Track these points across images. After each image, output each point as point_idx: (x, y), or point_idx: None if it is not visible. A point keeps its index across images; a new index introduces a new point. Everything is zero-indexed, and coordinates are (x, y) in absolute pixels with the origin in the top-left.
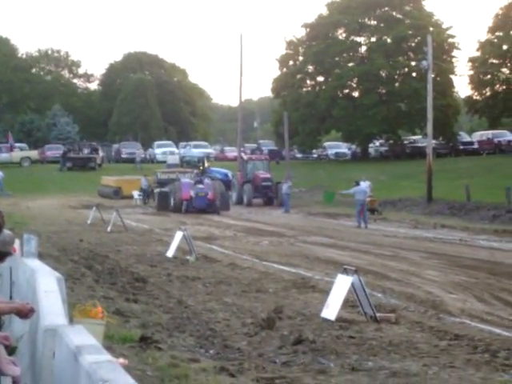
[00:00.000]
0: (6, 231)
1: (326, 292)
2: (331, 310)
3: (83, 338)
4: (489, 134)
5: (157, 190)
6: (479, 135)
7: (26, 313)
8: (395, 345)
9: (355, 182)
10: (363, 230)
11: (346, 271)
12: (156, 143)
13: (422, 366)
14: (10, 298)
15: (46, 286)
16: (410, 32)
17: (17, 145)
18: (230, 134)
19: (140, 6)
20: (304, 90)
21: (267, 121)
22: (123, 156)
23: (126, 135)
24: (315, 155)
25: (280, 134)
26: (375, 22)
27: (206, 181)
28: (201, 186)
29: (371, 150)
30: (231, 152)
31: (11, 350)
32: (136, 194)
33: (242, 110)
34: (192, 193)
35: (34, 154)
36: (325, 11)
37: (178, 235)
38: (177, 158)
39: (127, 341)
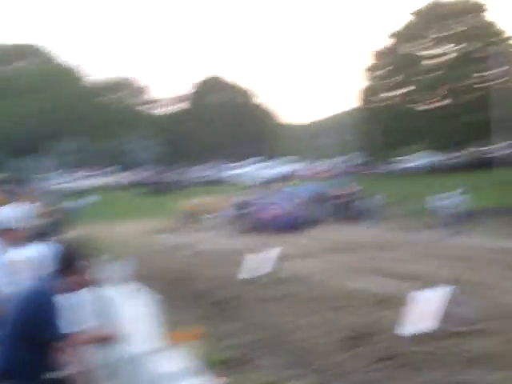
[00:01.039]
0: (95, 256)
1: (410, 307)
2: (416, 324)
3: (180, 361)
4: None
5: (236, 212)
6: None
7: (115, 339)
8: (481, 358)
9: (447, 195)
10: (449, 241)
11: (430, 285)
12: (235, 165)
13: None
14: (103, 323)
15: (142, 310)
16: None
17: (108, 169)
18: (316, 150)
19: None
20: (389, 101)
21: (353, 134)
22: (204, 179)
23: (207, 157)
24: (403, 165)
25: (367, 146)
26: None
27: (290, 198)
28: (285, 204)
29: (459, 160)
30: (317, 168)
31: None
32: (217, 215)
33: (328, 125)
34: (276, 212)
35: (125, 176)
36: (411, 20)
37: (267, 254)
38: (260, 178)
39: (221, 362)
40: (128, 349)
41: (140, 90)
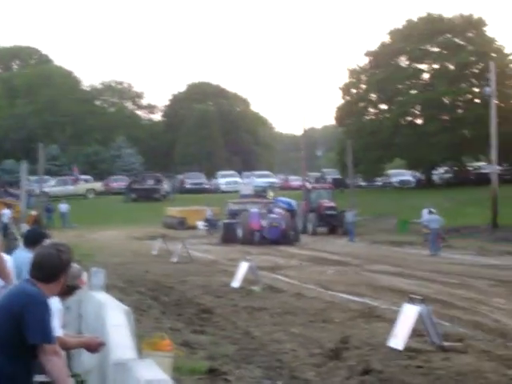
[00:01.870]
0: (74, 264)
1: (392, 321)
2: (398, 339)
3: (153, 372)
4: None
5: (222, 221)
6: None
7: (95, 347)
8: (463, 374)
9: (428, 211)
10: (430, 258)
11: (412, 300)
12: (220, 173)
13: None
14: (79, 331)
15: (115, 320)
16: (473, 58)
17: (82, 177)
18: (294, 163)
19: (202, 37)
20: (367, 118)
21: (331, 149)
22: (187, 187)
23: (190, 166)
24: (379, 183)
25: (344, 162)
26: (438, 49)
27: (278, 210)
28: (273, 215)
29: (435, 178)
30: (295, 181)
31: None
32: (201, 224)
33: (306, 138)
34: (264, 223)
35: (98, 185)
36: (387, 39)
37: (244, 265)
38: (251, 189)
39: (195, 373)
40: (109, 356)
41: (136, 95)
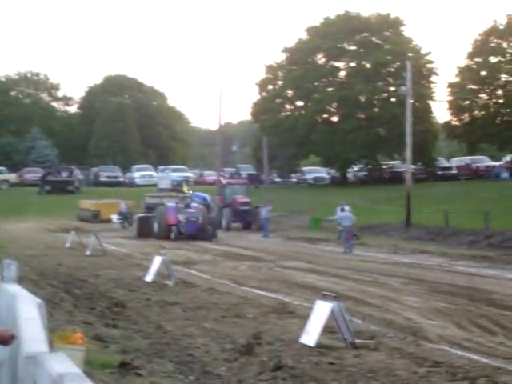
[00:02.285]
0: None
1: (305, 318)
2: (310, 335)
3: (65, 365)
4: (467, 159)
5: (138, 215)
6: (458, 161)
7: (6, 339)
8: (375, 371)
9: (341, 209)
10: (343, 255)
11: (325, 297)
12: (135, 167)
13: None
14: None
15: (27, 312)
16: (389, 57)
17: None
18: (209, 158)
19: (119, 30)
20: (283, 114)
21: (246, 145)
22: (102, 179)
23: (105, 159)
24: (294, 180)
25: (259, 158)
26: (355, 47)
27: (195, 205)
28: (190, 210)
29: (350, 175)
30: (210, 176)
31: None
32: (115, 217)
33: (221, 133)
34: (181, 217)
35: (12, 177)
36: (304, 36)
37: (157, 260)
38: (169, 183)
39: (107, 367)
40: (20, 349)
41: (52, 87)
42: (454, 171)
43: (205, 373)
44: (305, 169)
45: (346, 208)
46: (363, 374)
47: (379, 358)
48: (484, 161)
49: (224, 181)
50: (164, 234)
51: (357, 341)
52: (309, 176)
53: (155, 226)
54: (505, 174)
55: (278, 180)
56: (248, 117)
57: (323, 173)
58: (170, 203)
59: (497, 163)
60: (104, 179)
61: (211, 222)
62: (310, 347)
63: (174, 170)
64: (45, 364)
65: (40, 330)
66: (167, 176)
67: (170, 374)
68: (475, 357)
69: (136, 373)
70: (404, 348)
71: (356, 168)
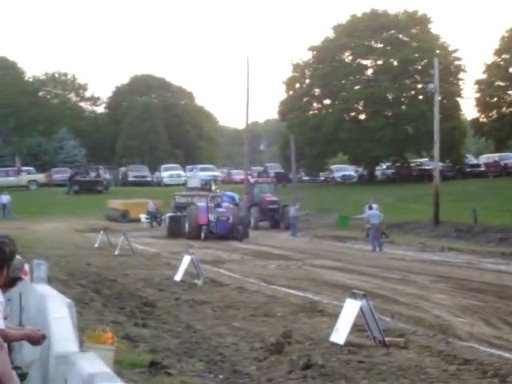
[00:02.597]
0: (16, 256)
1: (334, 316)
2: (340, 334)
3: (95, 365)
4: (495, 156)
5: (168, 215)
6: (486, 158)
7: (37, 339)
8: (404, 369)
9: (368, 207)
10: (372, 253)
11: (354, 295)
12: (163, 166)
13: None
14: (20, 323)
15: (57, 312)
16: (417, 55)
17: (24, 168)
18: (237, 157)
19: (147, 29)
20: (310, 112)
21: (274, 144)
22: (130, 179)
23: (133, 158)
24: (322, 178)
25: (287, 156)
26: (382, 45)
27: (225, 204)
28: (221, 209)
29: (378, 173)
30: (238, 175)
31: (22, 376)
32: (143, 217)
33: (249, 132)
34: (211, 217)
35: (41, 177)
36: (331, 34)
37: (186, 259)
38: (198, 182)
39: (137, 366)
40: (51, 349)
41: (80, 87)
42: (483, 168)
43: (234, 372)
44: (332, 167)
45: (374, 206)
46: (393, 372)
47: (409, 356)
48: None
49: (252, 180)
50: (194, 234)
51: (386, 339)
52: (336, 174)
53: (186, 226)
54: None
55: (305, 178)
56: (275, 115)
57: (351, 171)
58: (201, 203)
59: None
60: (132, 179)
61: (242, 221)
62: (340, 345)
63: (202, 169)
64: (76, 364)
65: (70, 330)
66: (196, 175)
67: (200, 374)
68: (505, 354)
69: (166, 372)
70: (433, 346)
71: (384, 166)
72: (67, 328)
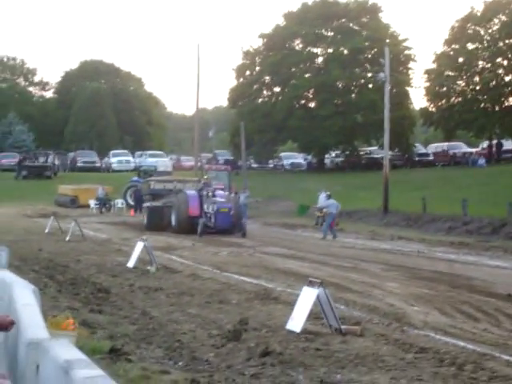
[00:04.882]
0: None
1: (289, 303)
2: (296, 321)
3: (70, 351)
4: (444, 145)
5: (146, 205)
6: (435, 147)
7: (6, 325)
8: (362, 357)
9: (327, 196)
10: (323, 241)
11: (311, 283)
12: (112, 152)
13: (390, 379)
14: None
15: (23, 298)
16: (367, 43)
17: None
18: (185, 143)
19: (96, 14)
20: (260, 100)
21: (222, 130)
22: (79, 165)
23: (82, 144)
24: (271, 165)
25: (236, 143)
26: (332, 33)
27: (221, 192)
28: (219, 199)
29: (327, 161)
30: (187, 161)
31: None
32: (92, 203)
33: (198, 119)
34: (208, 208)
35: None
36: (282, 22)
37: (139, 245)
38: (169, 165)
39: (97, 352)
40: (20, 335)
41: (28, 72)
42: (431, 157)
43: (193, 359)
44: (282, 155)
45: (325, 194)
46: (351, 360)
47: (365, 344)
48: (461, 147)
49: (206, 166)
50: (184, 228)
51: (343, 327)
52: (286, 162)
53: (173, 218)
54: (481, 161)
55: (255, 166)
56: (224, 102)
57: (300, 159)
58: (190, 190)
59: (473, 150)
60: (81, 164)
61: (240, 213)
62: (296, 333)
63: (151, 156)
64: (49, 350)
65: (39, 316)
66: (166, 158)
67: (160, 360)
68: (461, 343)
69: (126, 358)
70: (389, 334)
71: (333, 154)
72: (35, 314)
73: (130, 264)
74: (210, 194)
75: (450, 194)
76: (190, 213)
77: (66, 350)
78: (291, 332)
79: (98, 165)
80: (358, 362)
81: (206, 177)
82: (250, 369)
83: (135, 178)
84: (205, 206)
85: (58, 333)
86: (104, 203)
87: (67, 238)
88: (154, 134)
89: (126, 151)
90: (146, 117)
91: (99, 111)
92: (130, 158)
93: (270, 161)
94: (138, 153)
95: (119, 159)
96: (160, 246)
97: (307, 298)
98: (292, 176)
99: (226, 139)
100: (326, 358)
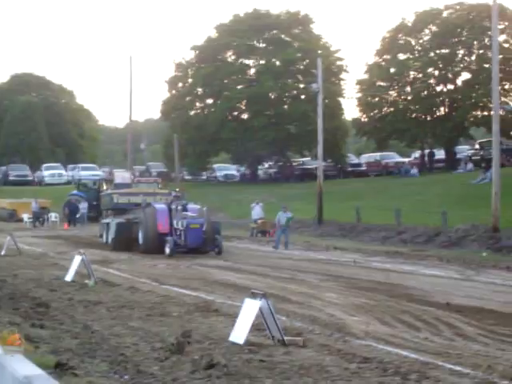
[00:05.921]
0: None
1: (230, 315)
2: (239, 333)
3: (28, 367)
4: (376, 155)
5: (106, 221)
6: (367, 157)
7: None
8: (306, 368)
9: (283, 208)
10: (259, 252)
11: (253, 295)
12: (44, 166)
13: None
14: None
15: None
16: (299, 55)
17: None
18: (117, 156)
19: (27, 27)
20: (193, 112)
21: (154, 142)
22: (11, 178)
23: (14, 157)
24: (204, 177)
25: (169, 155)
26: (264, 45)
27: (192, 206)
28: (190, 213)
29: (260, 172)
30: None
31: None
32: (26, 217)
33: (130, 131)
34: (178, 224)
35: None
36: (214, 34)
37: (77, 259)
38: (127, 177)
39: (43, 367)
40: None
41: None
42: (364, 168)
43: (138, 372)
44: (215, 166)
45: (255, 204)
46: (295, 371)
47: (309, 354)
48: (393, 157)
49: (135, 179)
50: (152, 246)
51: (285, 338)
52: (219, 173)
53: (140, 236)
54: (414, 171)
55: (188, 178)
56: (155, 115)
57: (233, 170)
58: (159, 204)
59: (406, 159)
60: (13, 178)
61: (214, 228)
62: (240, 345)
63: (84, 169)
64: (6, 366)
65: None
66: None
67: (105, 374)
68: (403, 352)
69: (72, 373)
70: (332, 344)
71: (266, 165)
72: None
73: (68, 278)
74: (180, 207)
75: (384, 203)
76: (159, 229)
77: (22, 365)
78: (234, 344)
79: (30, 178)
80: (302, 373)
81: (177, 189)
82: (196, 381)
83: (74, 192)
84: (174, 222)
85: (4, 348)
86: (37, 217)
87: (2, 253)
88: (86, 147)
89: (58, 164)
90: (77, 130)
91: (31, 124)
92: (63, 172)
93: (204, 172)
94: (71, 166)
95: (51, 172)
96: (97, 260)
97: (250, 309)
98: (226, 188)
99: (158, 151)
100: (270, 369)
